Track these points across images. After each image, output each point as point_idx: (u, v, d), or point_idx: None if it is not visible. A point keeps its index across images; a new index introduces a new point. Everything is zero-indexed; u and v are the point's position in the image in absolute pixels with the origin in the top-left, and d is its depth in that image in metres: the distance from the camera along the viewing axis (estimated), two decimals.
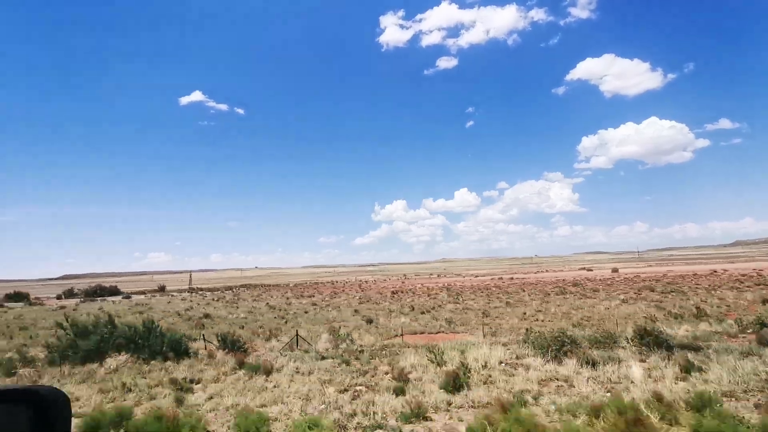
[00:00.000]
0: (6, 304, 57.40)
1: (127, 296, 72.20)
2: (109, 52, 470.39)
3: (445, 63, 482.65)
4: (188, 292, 78.36)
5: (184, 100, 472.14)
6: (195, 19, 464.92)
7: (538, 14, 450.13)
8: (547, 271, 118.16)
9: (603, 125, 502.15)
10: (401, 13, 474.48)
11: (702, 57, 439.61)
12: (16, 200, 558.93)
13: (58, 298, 76.80)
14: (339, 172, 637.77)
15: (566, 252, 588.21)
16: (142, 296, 74.02)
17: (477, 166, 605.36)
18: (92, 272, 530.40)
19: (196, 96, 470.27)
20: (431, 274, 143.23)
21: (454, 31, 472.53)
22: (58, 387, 1.18)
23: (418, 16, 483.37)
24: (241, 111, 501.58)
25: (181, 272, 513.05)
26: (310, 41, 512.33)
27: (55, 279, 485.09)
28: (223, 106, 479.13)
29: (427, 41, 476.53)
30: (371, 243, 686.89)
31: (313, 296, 52.28)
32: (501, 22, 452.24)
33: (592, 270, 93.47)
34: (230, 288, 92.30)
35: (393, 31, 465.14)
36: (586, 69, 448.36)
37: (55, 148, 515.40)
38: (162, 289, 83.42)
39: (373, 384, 9.75)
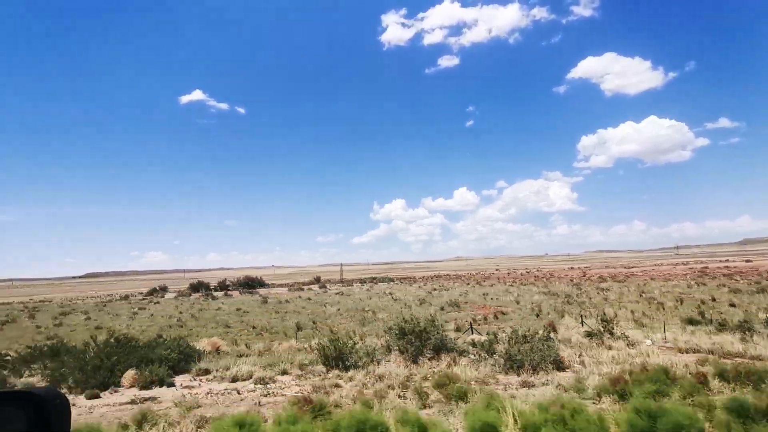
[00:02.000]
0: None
1: (294, 288, 70.99)
2: (108, 51, 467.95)
3: (447, 62, 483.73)
4: (343, 284, 77.06)
5: (185, 99, 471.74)
6: (195, 16, 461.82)
7: (540, 12, 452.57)
8: (673, 264, 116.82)
9: (603, 124, 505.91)
10: (403, 11, 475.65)
11: (703, 55, 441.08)
12: (15, 200, 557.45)
13: (215, 289, 76.02)
14: (338, 171, 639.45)
15: (576, 251, 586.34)
16: (303, 290, 72.70)
17: (476, 165, 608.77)
18: (114, 270, 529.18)
19: (197, 95, 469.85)
20: (527, 269, 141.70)
21: (456, 29, 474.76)
22: None
23: (420, 15, 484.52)
24: (241, 110, 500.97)
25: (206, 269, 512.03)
26: (310, 40, 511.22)
27: (80, 277, 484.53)
28: (224, 105, 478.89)
29: (428, 40, 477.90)
30: (369, 242, 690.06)
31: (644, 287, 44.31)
32: (503, 20, 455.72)
33: None
34: (371, 280, 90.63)
35: (394, 30, 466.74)
36: (588, 67, 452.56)
37: (53, 148, 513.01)
38: (318, 280, 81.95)
39: None
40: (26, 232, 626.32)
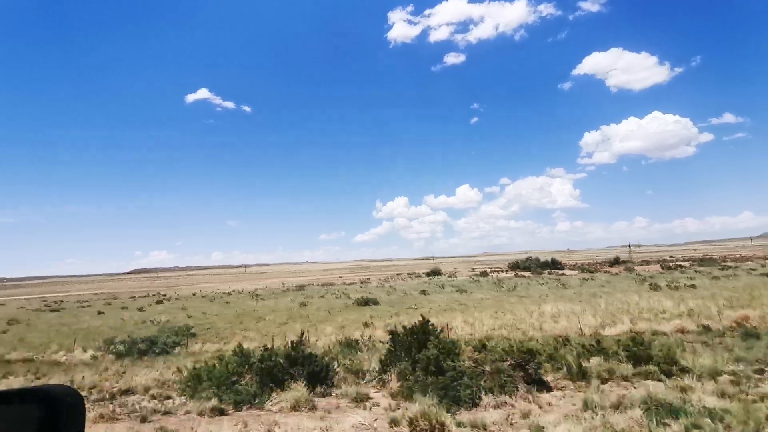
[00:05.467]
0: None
1: (590, 270, 79.28)
2: (114, 50, 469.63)
3: (453, 59, 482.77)
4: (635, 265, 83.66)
5: (191, 98, 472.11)
6: (201, 15, 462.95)
7: (547, 9, 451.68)
8: None
9: (606, 120, 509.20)
10: (410, 8, 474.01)
11: (710, 50, 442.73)
12: (17, 201, 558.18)
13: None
14: (342, 170, 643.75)
15: (594, 246, 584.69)
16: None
17: (480, 162, 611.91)
18: (160, 267, 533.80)
19: (203, 94, 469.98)
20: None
21: (463, 26, 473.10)
22: None
23: (427, 11, 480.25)
24: (248, 109, 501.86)
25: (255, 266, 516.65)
26: (317, 38, 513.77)
27: (127, 273, 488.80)
28: (230, 104, 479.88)
29: (435, 37, 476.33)
30: (371, 240, 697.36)
31: None
32: (510, 16, 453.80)
33: None
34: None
35: (401, 27, 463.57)
36: (593, 63, 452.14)
37: (59, 147, 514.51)
38: (618, 262, 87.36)
39: None
40: (21, 233, 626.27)
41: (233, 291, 75.59)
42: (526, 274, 74.19)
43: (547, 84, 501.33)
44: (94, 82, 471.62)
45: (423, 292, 45.46)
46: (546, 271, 74.30)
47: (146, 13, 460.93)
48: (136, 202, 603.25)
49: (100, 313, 43.05)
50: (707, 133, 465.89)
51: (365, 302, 35.98)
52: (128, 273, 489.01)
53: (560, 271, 71.94)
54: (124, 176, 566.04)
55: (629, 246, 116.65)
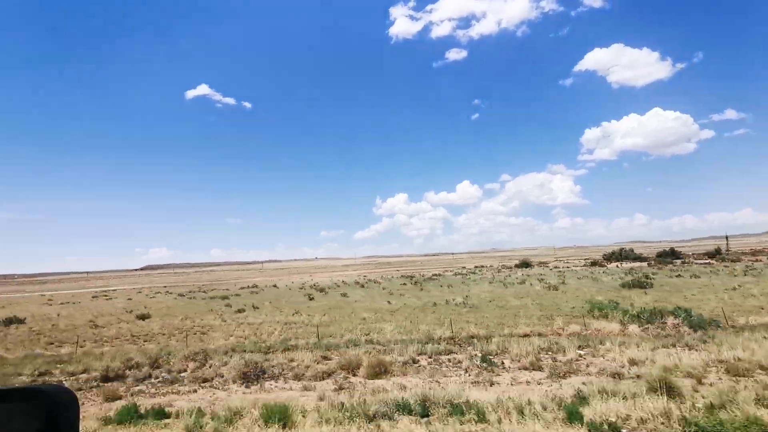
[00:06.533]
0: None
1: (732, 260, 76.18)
2: (114, 46, 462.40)
3: (455, 55, 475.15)
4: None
5: (191, 94, 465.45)
6: (202, 10, 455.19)
7: (549, 4, 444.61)
8: None
9: (607, 117, 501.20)
10: (412, 3, 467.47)
11: (712, 46, 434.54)
12: (16, 197, 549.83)
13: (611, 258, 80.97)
14: (342, 166, 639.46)
15: (583, 243, 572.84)
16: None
17: (480, 158, 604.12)
18: (172, 263, 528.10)
19: (203, 90, 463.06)
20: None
21: (465, 22, 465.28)
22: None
23: (429, 7, 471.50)
24: (248, 105, 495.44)
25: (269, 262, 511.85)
26: (318, 34, 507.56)
27: (137, 270, 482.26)
28: (230, 100, 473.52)
29: (437, 33, 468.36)
30: (371, 237, 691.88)
31: None
32: (512, 12, 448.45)
33: None
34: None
35: (403, 23, 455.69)
36: (595, 60, 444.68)
37: (58, 144, 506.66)
38: (719, 252, 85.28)
39: None
40: (18, 230, 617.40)
41: (334, 283, 71.71)
42: (644, 263, 71.05)
43: (548, 80, 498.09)
44: (94, 78, 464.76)
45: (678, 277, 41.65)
46: (676, 261, 71.11)
47: (146, 9, 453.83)
48: (135, 199, 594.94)
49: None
50: (708, 129, 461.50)
51: (640, 285, 32.51)
52: (140, 269, 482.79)
53: (700, 261, 69.07)
54: (124, 173, 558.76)
55: (726, 237, 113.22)
